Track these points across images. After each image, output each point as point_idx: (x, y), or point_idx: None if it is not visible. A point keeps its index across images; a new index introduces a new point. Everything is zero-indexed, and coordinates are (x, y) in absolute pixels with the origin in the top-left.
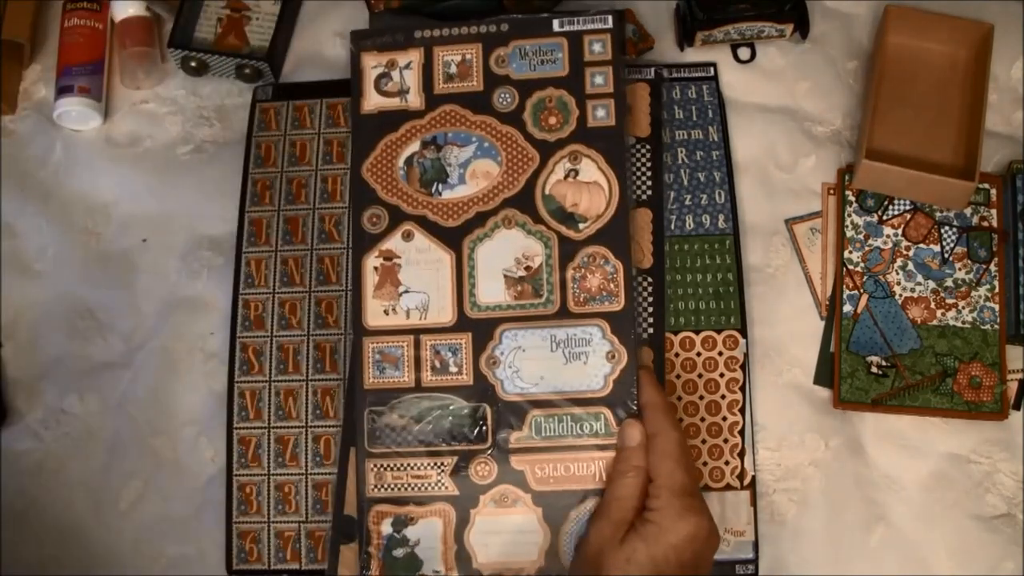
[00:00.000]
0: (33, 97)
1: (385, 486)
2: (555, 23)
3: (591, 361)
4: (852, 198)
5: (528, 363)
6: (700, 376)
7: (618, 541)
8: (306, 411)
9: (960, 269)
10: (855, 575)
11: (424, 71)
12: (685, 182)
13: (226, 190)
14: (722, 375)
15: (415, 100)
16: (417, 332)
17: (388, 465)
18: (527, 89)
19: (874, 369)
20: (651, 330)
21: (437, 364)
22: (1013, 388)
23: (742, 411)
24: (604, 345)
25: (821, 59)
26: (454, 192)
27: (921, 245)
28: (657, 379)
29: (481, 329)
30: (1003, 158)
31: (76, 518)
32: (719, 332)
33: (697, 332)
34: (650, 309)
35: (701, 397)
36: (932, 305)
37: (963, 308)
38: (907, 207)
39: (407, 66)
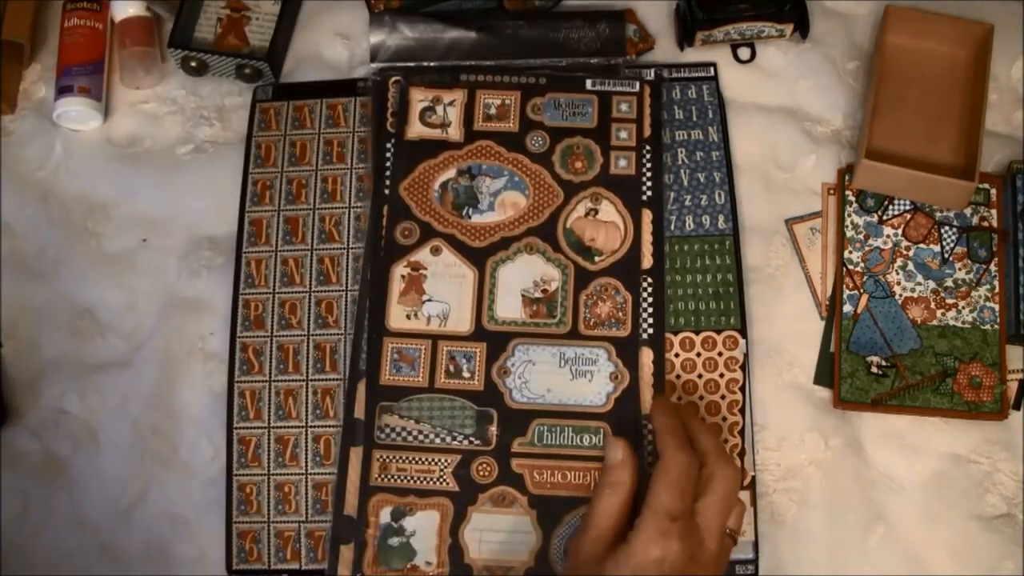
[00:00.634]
0: (33, 97)
1: (389, 476)
2: (588, 83)
3: (595, 380)
4: (852, 198)
5: (537, 376)
6: (700, 376)
7: (597, 560)
8: (306, 411)
9: (960, 269)
10: (855, 575)
11: (466, 109)
12: (685, 182)
13: (226, 190)
14: (722, 375)
15: (455, 133)
16: (435, 338)
17: (393, 457)
18: (558, 135)
19: (874, 369)
20: (651, 330)
21: (451, 368)
22: (1013, 388)
23: (742, 411)
24: (608, 366)
25: (821, 59)
26: (483, 217)
27: (921, 245)
28: (670, 404)
29: (496, 341)
30: (1003, 158)
31: (76, 518)
32: (719, 332)
33: (697, 332)
34: (650, 309)
35: (701, 397)
36: (932, 305)
37: (963, 308)
38: (907, 207)
39: (451, 103)
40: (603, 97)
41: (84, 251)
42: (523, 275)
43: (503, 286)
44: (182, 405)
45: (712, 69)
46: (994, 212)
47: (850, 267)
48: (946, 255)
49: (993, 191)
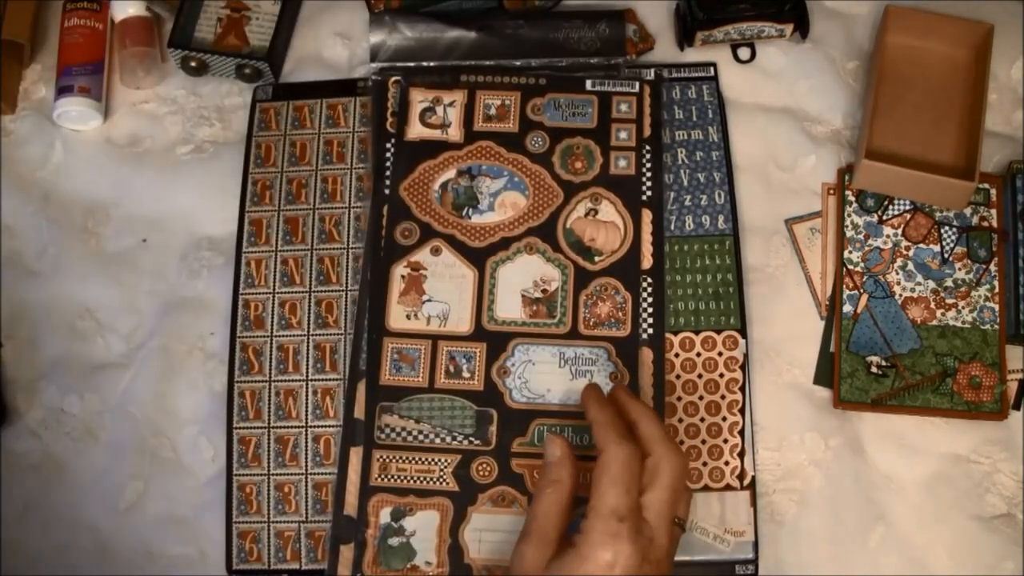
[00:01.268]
0: (33, 97)
1: (389, 476)
2: (588, 83)
3: (595, 379)
4: (852, 198)
5: (537, 376)
6: (700, 376)
7: (543, 567)
8: (306, 411)
9: (960, 269)
10: (855, 575)
11: (466, 110)
12: (685, 182)
13: (226, 190)
14: (722, 375)
15: (455, 134)
16: (435, 338)
17: (393, 457)
18: (558, 135)
19: (874, 369)
20: (651, 330)
21: (451, 369)
22: (1013, 388)
23: (742, 411)
24: (608, 366)
25: (821, 59)
26: (483, 217)
27: (921, 245)
28: (602, 394)
29: (496, 341)
30: (1003, 158)
31: (76, 518)
32: (719, 332)
33: (697, 332)
34: (650, 309)
35: (701, 397)
36: (932, 305)
37: (963, 308)
38: (907, 207)
39: (451, 104)
40: (603, 97)
41: (84, 251)
42: (523, 275)
43: (503, 286)
44: (182, 405)
45: (712, 69)
46: (994, 212)
47: (850, 267)
48: (946, 255)
49: (993, 191)
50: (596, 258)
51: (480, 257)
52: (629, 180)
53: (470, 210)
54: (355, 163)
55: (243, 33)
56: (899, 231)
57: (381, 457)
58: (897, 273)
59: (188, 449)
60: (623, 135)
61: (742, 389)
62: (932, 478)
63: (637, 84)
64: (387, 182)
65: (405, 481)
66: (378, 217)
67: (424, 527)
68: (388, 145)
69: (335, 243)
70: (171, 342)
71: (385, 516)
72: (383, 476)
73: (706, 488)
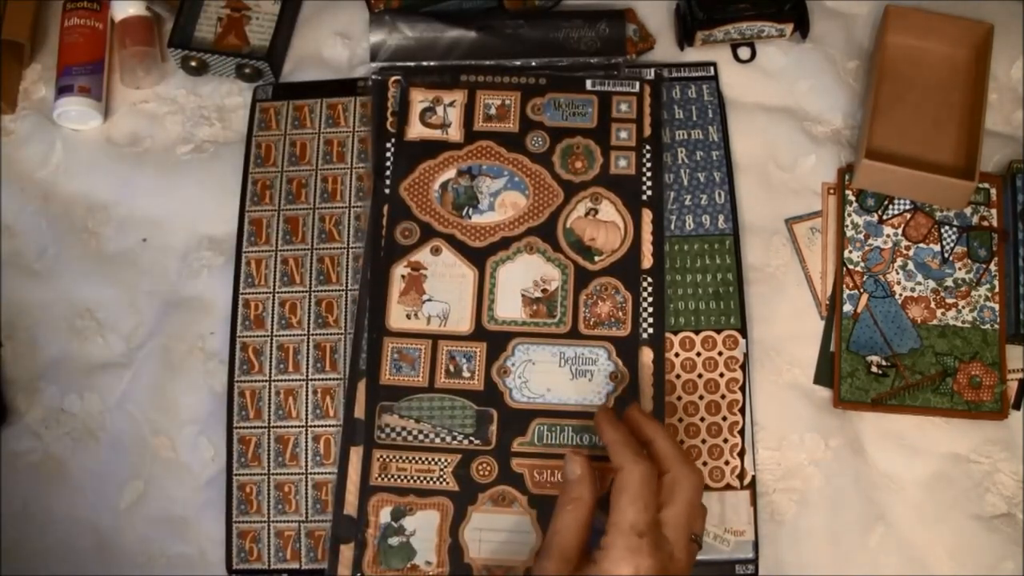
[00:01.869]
0: (33, 97)
1: (389, 476)
2: (588, 83)
3: (595, 379)
4: (852, 198)
5: (537, 375)
6: (700, 376)
7: None
8: (306, 411)
9: (960, 269)
10: (855, 575)
11: (466, 110)
12: (685, 182)
13: (226, 190)
14: (722, 375)
15: (455, 134)
16: (436, 337)
17: (394, 456)
18: (558, 135)
19: (874, 369)
20: (651, 330)
21: (451, 368)
22: (1013, 388)
23: (742, 411)
24: (609, 366)
25: (821, 59)
26: (483, 217)
27: (921, 245)
28: (614, 415)
29: (496, 340)
30: (1003, 158)
31: (76, 518)
32: (719, 332)
33: (697, 332)
34: (650, 309)
35: (701, 397)
36: (932, 305)
37: (963, 308)
38: (907, 207)
39: (451, 104)
40: (603, 97)
41: (84, 251)
42: (523, 275)
43: (503, 286)
44: (182, 405)
45: (712, 69)
46: (994, 212)
47: (850, 267)
48: (946, 255)
49: (993, 191)
50: (596, 258)
51: (480, 257)
52: (629, 180)
53: (470, 210)
54: (355, 163)
55: (243, 33)
56: (899, 231)
57: (381, 457)
58: (897, 273)
59: (188, 449)
60: (623, 135)
61: (742, 389)
62: (932, 478)
63: (637, 84)
64: (387, 182)
65: (405, 481)
66: (378, 217)
67: (424, 527)
68: (388, 145)
69: (335, 243)
70: (171, 342)
71: (385, 516)
72: (383, 476)
73: (706, 488)
